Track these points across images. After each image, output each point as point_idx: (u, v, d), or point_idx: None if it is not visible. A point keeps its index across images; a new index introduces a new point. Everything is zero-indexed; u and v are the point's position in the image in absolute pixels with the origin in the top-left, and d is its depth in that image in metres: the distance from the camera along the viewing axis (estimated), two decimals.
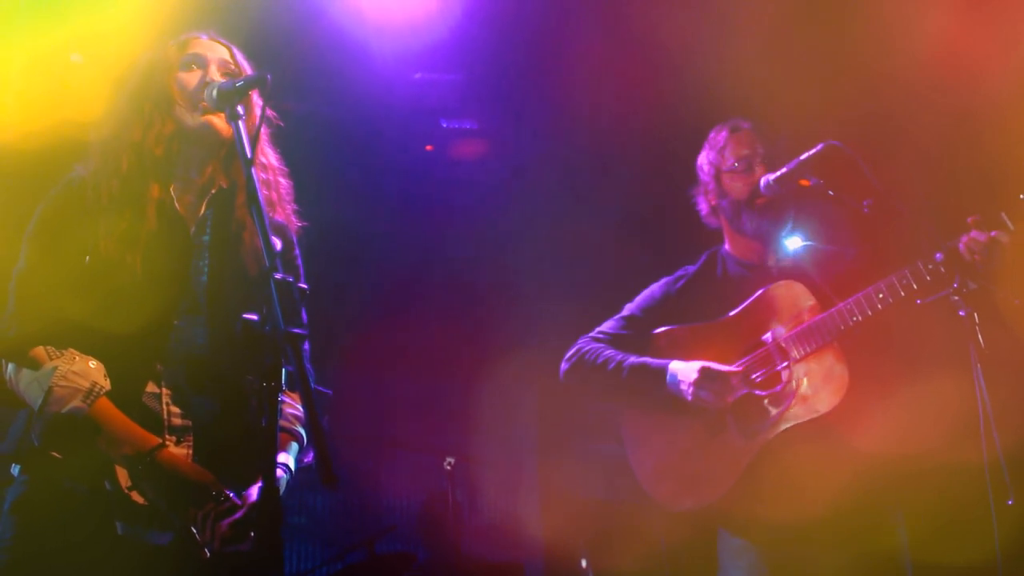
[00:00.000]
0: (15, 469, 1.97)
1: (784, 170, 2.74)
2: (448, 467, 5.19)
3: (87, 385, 1.89)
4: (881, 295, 2.53)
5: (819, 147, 2.65)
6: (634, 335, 2.95)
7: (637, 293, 3.09)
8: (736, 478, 2.65)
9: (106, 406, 1.89)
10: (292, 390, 2.03)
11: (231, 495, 1.89)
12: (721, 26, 4.13)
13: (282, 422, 1.98)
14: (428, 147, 5.37)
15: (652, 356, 2.85)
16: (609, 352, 2.91)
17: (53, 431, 1.85)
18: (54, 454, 1.87)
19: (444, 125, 5.28)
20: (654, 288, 3.04)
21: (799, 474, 2.58)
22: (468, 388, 6.43)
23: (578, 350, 2.99)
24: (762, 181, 2.80)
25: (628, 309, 3.04)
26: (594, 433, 5.56)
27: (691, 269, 3.04)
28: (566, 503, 6.02)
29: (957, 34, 3.74)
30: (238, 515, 1.88)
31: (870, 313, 2.55)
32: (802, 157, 2.69)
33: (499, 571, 5.49)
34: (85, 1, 3.92)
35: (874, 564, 2.57)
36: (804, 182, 2.72)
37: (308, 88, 4.48)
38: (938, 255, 2.45)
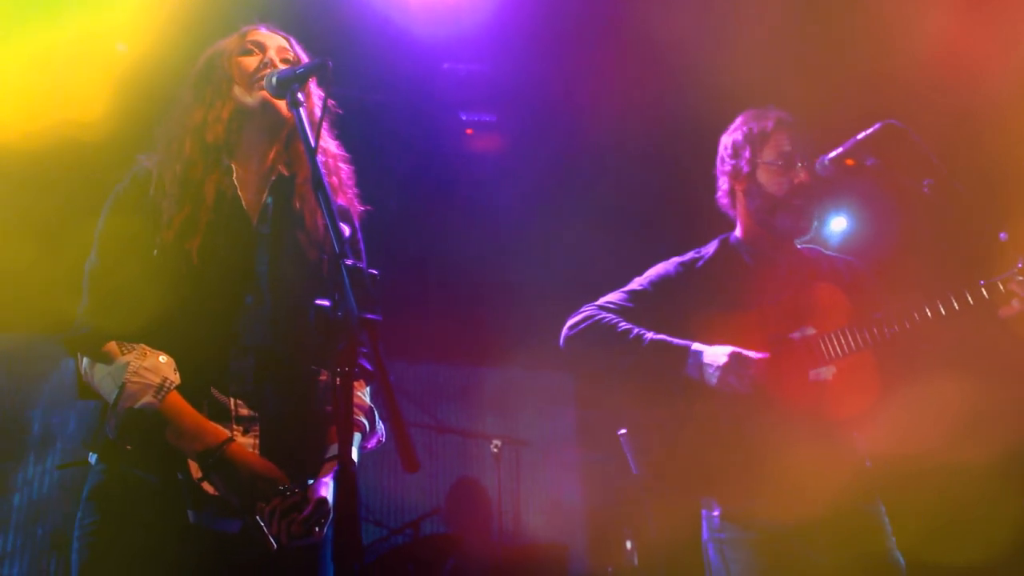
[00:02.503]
0: (92, 458, 2.01)
1: (839, 150, 2.67)
2: (495, 450, 5.19)
3: (158, 381, 1.91)
4: (923, 312, 2.49)
5: (876, 127, 2.59)
6: (641, 310, 2.83)
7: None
8: (749, 470, 2.61)
9: (176, 401, 1.92)
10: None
11: (298, 490, 1.91)
12: (724, 26, 4.13)
13: None
14: (468, 131, 5.35)
15: (670, 335, 2.75)
16: (625, 323, 2.79)
17: (127, 425, 1.89)
18: (127, 447, 1.91)
19: (463, 118, 5.26)
20: (668, 266, 2.92)
21: (815, 473, 2.54)
22: (510, 372, 6.44)
23: (588, 316, 2.85)
24: (817, 161, 2.73)
25: (638, 284, 2.91)
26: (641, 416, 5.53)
27: (705, 252, 2.95)
28: (610, 485, 6.02)
29: (957, 34, 3.74)
30: (306, 512, 1.90)
31: (908, 326, 2.50)
32: (858, 137, 2.63)
33: (544, 553, 5.49)
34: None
35: (872, 564, 2.55)
36: (850, 162, 2.67)
37: (352, 73, 4.46)
38: (1021, 263, 2.39)
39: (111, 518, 1.92)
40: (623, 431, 2.85)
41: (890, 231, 2.85)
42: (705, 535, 2.73)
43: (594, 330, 2.81)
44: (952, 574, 2.60)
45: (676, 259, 2.95)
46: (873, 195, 2.88)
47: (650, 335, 2.75)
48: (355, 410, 2.15)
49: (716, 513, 2.72)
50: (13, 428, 5.58)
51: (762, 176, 2.85)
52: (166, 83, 4.55)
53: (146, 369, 1.92)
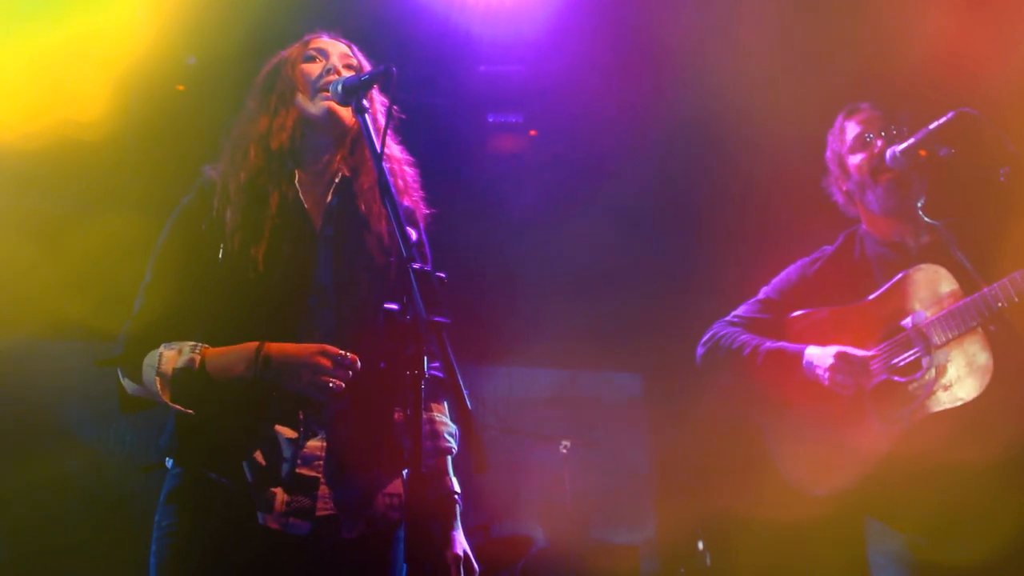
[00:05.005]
0: (169, 462, 2.06)
1: (912, 141, 2.66)
2: (564, 451, 5.17)
3: (191, 343, 1.98)
4: None
5: (949, 115, 2.57)
6: (771, 318, 2.90)
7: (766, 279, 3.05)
8: (875, 464, 2.60)
9: (211, 350, 1.98)
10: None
11: (342, 352, 1.93)
12: (724, 26, 4.14)
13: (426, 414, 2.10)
14: (532, 132, 5.35)
15: (788, 341, 2.80)
16: (745, 337, 2.87)
17: (177, 386, 1.94)
18: (188, 411, 1.95)
19: (491, 119, 5.27)
20: (791, 270, 2.97)
21: (941, 462, 2.51)
22: (579, 372, 6.43)
23: (713, 335, 2.95)
24: (888, 153, 2.72)
25: (764, 292, 2.98)
26: (705, 414, 5.51)
27: (828, 250, 2.96)
28: (683, 486, 6.00)
29: (957, 34, 3.74)
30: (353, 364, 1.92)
31: (1016, 299, 2.44)
32: (931, 127, 2.61)
33: (615, 554, 5.49)
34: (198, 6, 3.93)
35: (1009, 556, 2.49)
36: (923, 152, 2.63)
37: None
38: None
39: (188, 520, 1.96)
40: (766, 439, 2.87)
41: (972, 223, 2.80)
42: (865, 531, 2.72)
43: (717, 348, 2.91)
44: (952, 574, 2.59)
45: (801, 260, 2.99)
46: (948, 185, 2.83)
47: (767, 345, 2.80)
48: (443, 436, 2.19)
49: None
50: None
51: (849, 166, 2.87)
52: (166, 83, 4.57)
53: (176, 342, 1.98)
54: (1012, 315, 2.48)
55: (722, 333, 2.93)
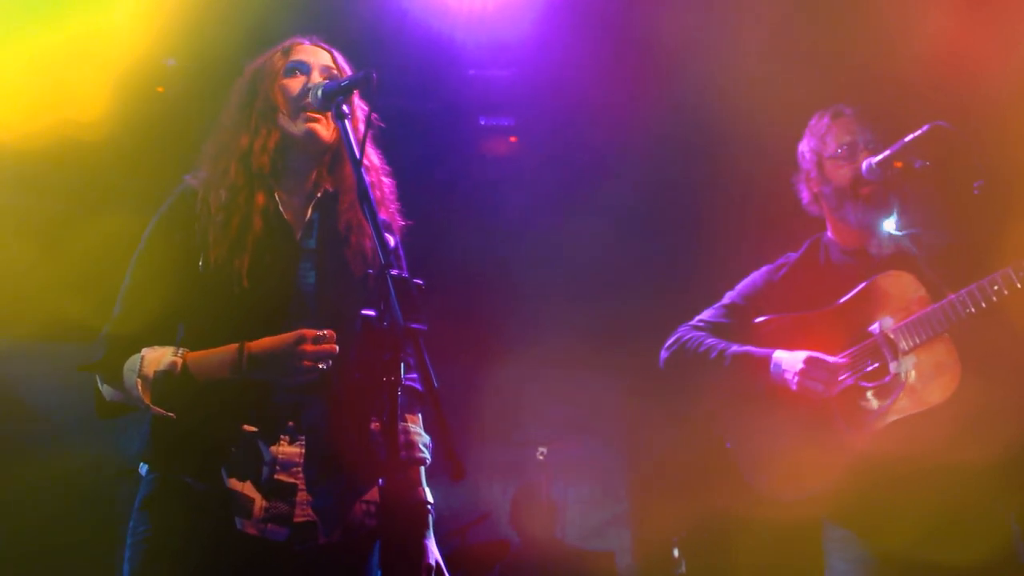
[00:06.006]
0: (143, 468, 2.06)
1: (887, 153, 2.68)
2: (541, 456, 5.19)
3: (172, 347, 1.99)
4: (996, 287, 2.46)
5: (924, 128, 2.60)
6: (735, 323, 2.90)
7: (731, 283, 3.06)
8: (842, 470, 2.60)
9: (193, 354, 1.98)
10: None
11: (320, 332, 1.93)
12: (723, 25, 4.14)
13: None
14: (512, 139, 5.36)
15: (754, 345, 2.80)
16: (711, 340, 2.86)
17: (159, 388, 1.94)
18: (169, 415, 1.94)
19: (483, 123, 5.27)
20: (756, 276, 2.99)
21: (907, 467, 2.53)
22: (556, 379, 6.44)
23: (678, 338, 2.95)
24: (864, 164, 2.74)
25: (729, 297, 2.99)
26: (682, 421, 5.52)
27: (793, 256, 2.98)
28: (658, 492, 6.01)
29: (957, 34, 3.74)
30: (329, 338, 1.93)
31: (984, 305, 2.47)
32: (906, 139, 2.63)
33: (590, 560, 5.50)
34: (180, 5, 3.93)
35: (983, 559, 2.50)
36: (898, 164, 2.65)
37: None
38: None
39: (163, 526, 1.96)
40: (729, 444, 2.86)
41: (940, 234, 2.82)
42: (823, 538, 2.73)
43: (683, 351, 2.90)
44: (952, 574, 2.59)
45: (765, 267, 3.00)
46: (922, 197, 2.85)
47: (733, 349, 2.80)
48: (418, 446, 2.19)
49: (823, 516, 2.73)
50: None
51: (829, 170, 2.87)
52: (165, 84, 4.57)
53: (158, 347, 1.98)
54: (980, 321, 2.50)
55: (688, 336, 2.93)
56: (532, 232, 5.60)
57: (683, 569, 5.15)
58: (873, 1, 4.06)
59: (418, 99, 4.90)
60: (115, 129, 4.26)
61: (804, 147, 2.96)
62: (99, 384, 2.04)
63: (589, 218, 5.41)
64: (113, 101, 4.27)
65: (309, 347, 1.91)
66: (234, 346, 1.95)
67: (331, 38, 2.29)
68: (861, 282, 2.75)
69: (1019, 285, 2.43)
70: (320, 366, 1.91)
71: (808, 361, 2.65)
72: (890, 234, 2.87)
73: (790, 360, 2.69)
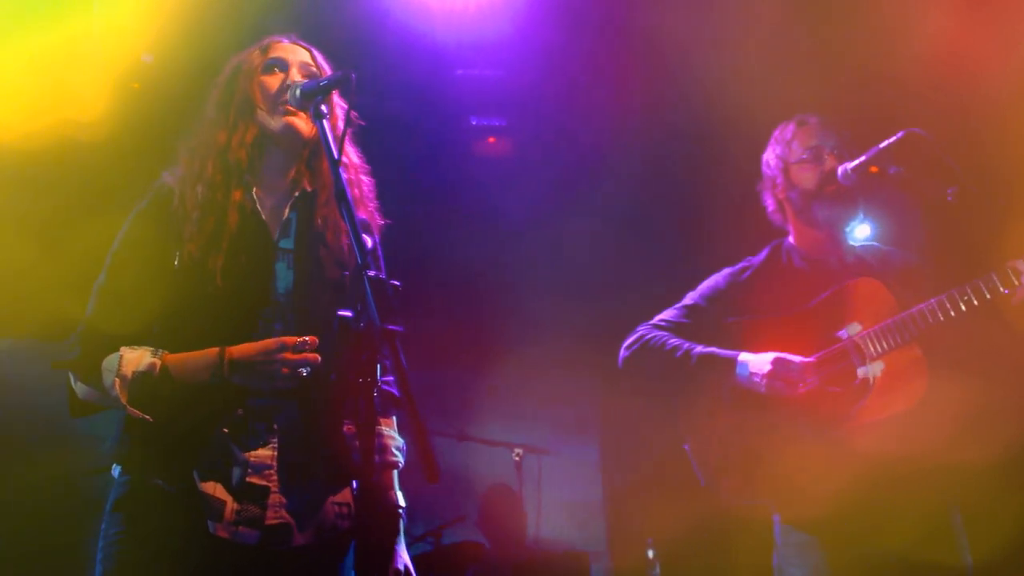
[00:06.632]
0: (116, 470, 2.04)
1: (863, 158, 2.70)
2: (516, 458, 5.18)
3: (151, 348, 1.97)
4: (966, 297, 2.48)
5: (899, 135, 2.61)
6: (696, 325, 2.90)
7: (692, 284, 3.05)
8: (804, 473, 2.61)
9: (171, 356, 1.96)
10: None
11: (302, 339, 1.92)
12: (726, 28, 4.14)
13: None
14: (491, 139, 5.35)
15: (719, 347, 2.80)
16: (675, 340, 2.86)
17: (135, 390, 1.92)
18: (145, 416, 1.93)
19: (474, 122, 5.26)
20: (718, 278, 2.98)
21: (870, 472, 2.53)
22: (532, 380, 6.43)
23: (640, 337, 2.93)
24: (839, 170, 2.75)
25: (690, 298, 2.98)
26: (657, 422, 5.53)
27: (755, 260, 2.99)
28: (633, 493, 6.01)
29: (957, 34, 3.74)
30: (311, 345, 1.92)
31: (953, 315, 2.50)
32: (881, 146, 2.65)
33: (565, 561, 5.49)
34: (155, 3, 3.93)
35: (936, 566, 2.52)
36: (874, 169, 2.67)
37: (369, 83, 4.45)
38: None
39: (135, 529, 1.94)
40: (687, 445, 2.86)
41: (914, 239, 2.84)
42: (776, 540, 2.73)
43: (645, 350, 2.89)
44: (952, 574, 2.59)
45: (727, 269, 3.00)
46: (896, 203, 2.87)
47: (698, 349, 2.79)
48: (391, 449, 2.18)
49: (777, 518, 2.73)
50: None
51: (795, 175, 2.90)
52: (165, 84, 4.57)
53: (137, 347, 1.97)
54: (949, 330, 2.53)
55: (650, 335, 2.91)
56: (519, 232, 5.60)
57: (657, 571, 5.16)
58: (873, 1, 4.06)
59: (405, 100, 4.88)
60: (115, 129, 4.26)
61: (769, 155, 2.99)
62: (72, 382, 2.02)
63: (574, 218, 5.43)
64: (113, 101, 4.26)
65: (290, 355, 1.89)
66: (214, 350, 1.93)
67: (316, 40, 2.28)
68: (825, 288, 2.77)
69: (988, 296, 2.47)
70: (301, 373, 1.91)
71: (776, 362, 2.66)
72: (852, 245, 2.91)
73: (757, 362, 2.69)
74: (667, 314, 2.97)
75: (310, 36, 2.29)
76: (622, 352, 2.96)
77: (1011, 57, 3.76)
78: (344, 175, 1.93)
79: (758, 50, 4.05)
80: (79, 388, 2.01)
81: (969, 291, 2.48)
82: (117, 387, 1.92)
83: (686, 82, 4.45)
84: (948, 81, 3.89)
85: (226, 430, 1.97)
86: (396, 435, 2.22)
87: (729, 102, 3.83)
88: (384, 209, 2.30)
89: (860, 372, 2.65)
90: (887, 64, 4.09)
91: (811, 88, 3.95)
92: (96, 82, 4.20)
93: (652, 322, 2.97)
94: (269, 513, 1.96)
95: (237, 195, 2.08)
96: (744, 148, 3.08)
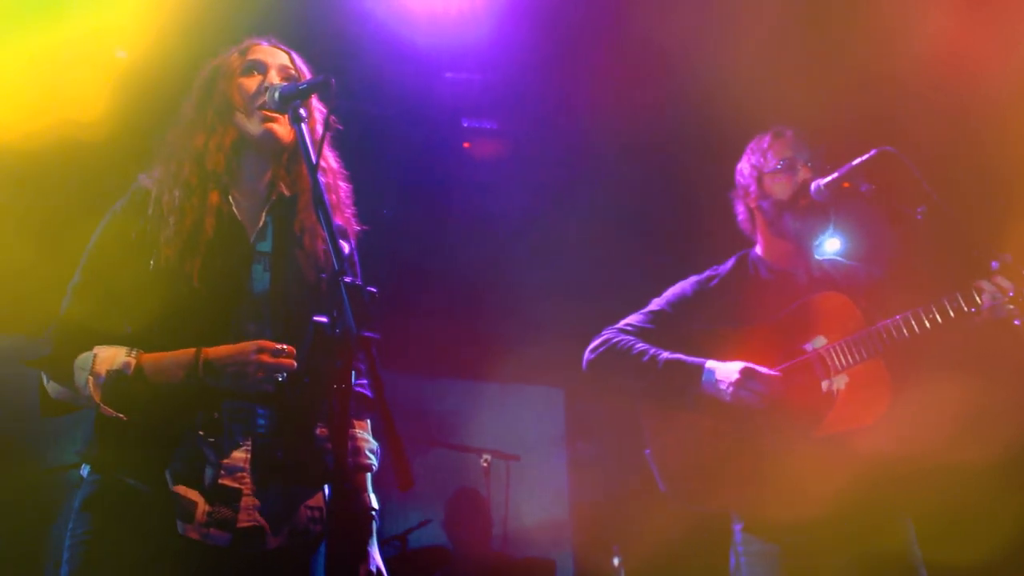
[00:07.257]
0: (84, 470, 2.02)
1: (835, 175, 2.73)
2: (484, 464, 5.18)
3: (125, 347, 1.95)
4: (931, 315, 2.52)
5: (872, 153, 2.64)
6: (661, 331, 2.90)
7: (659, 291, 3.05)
8: (766, 482, 2.62)
9: (147, 356, 1.94)
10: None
11: (279, 345, 1.92)
12: (723, 28, 4.13)
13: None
14: (465, 144, 5.36)
15: (685, 354, 2.80)
16: (641, 345, 2.85)
17: (110, 389, 1.91)
18: (119, 415, 1.91)
19: (465, 124, 5.26)
20: (684, 285, 2.99)
21: (832, 483, 2.54)
22: (500, 385, 6.43)
23: (606, 340, 2.93)
24: (812, 185, 2.78)
25: (656, 304, 2.98)
26: (624, 430, 5.55)
27: (721, 270, 3.00)
28: (598, 500, 6.01)
29: (957, 34, 3.74)
30: (286, 351, 1.92)
31: (918, 331, 2.53)
32: (854, 163, 2.68)
33: (531, 568, 5.49)
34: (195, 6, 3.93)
35: (894, 571, 2.55)
36: (846, 185, 2.69)
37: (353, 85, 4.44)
38: (994, 263, 2.44)
39: (103, 528, 1.92)
40: (648, 451, 2.87)
41: (883, 255, 2.87)
42: (737, 549, 2.74)
43: (612, 353, 2.88)
44: (953, 574, 2.59)
45: (693, 277, 3.01)
46: (867, 220, 2.90)
47: (665, 355, 2.79)
48: (364, 452, 2.18)
49: (738, 527, 2.74)
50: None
51: (768, 185, 2.92)
52: (165, 84, 4.57)
53: (112, 346, 1.95)
54: (915, 345, 2.56)
55: (616, 339, 2.91)
56: (510, 235, 5.60)
57: None
58: (873, 2, 4.06)
59: (395, 104, 4.88)
60: (115, 129, 4.26)
61: (743, 164, 3.02)
62: (44, 381, 2.01)
63: (562, 219, 5.43)
64: (114, 101, 4.26)
65: (267, 359, 1.89)
66: (191, 351, 1.92)
67: (300, 45, 2.27)
68: (791, 301, 2.79)
69: (953, 315, 2.49)
70: (276, 378, 1.90)
71: (743, 372, 2.66)
72: (819, 259, 2.93)
73: (724, 370, 2.69)
74: (633, 319, 2.97)
75: (303, 41, 2.28)
76: (587, 355, 2.96)
77: (1011, 57, 3.76)
78: (322, 179, 1.92)
79: (753, 50, 4.05)
80: (51, 387, 1.99)
81: (934, 309, 2.52)
82: (90, 385, 1.90)
83: (676, 82, 4.45)
84: (948, 81, 3.89)
85: (200, 431, 1.95)
86: (370, 438, 2.21)
87: (723, 102, 3.83)
88: (372, 212, 2.29)
89: (824, 385, 2.67)
90: (887, 64, 4.09)
91: (810, 89, 3.96)
92: (96, 82, 4.20)
93: (618, 326, 2.97)
94: (241, 516, 1.94)
95: (214, 198, 2.06)
96: (739, 148, 3.09)
